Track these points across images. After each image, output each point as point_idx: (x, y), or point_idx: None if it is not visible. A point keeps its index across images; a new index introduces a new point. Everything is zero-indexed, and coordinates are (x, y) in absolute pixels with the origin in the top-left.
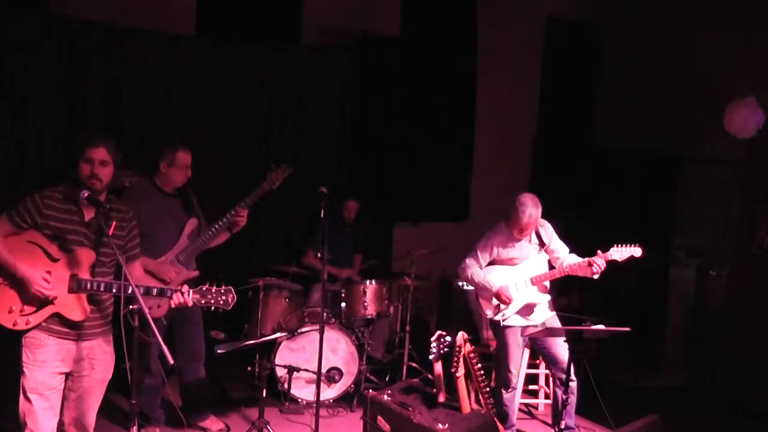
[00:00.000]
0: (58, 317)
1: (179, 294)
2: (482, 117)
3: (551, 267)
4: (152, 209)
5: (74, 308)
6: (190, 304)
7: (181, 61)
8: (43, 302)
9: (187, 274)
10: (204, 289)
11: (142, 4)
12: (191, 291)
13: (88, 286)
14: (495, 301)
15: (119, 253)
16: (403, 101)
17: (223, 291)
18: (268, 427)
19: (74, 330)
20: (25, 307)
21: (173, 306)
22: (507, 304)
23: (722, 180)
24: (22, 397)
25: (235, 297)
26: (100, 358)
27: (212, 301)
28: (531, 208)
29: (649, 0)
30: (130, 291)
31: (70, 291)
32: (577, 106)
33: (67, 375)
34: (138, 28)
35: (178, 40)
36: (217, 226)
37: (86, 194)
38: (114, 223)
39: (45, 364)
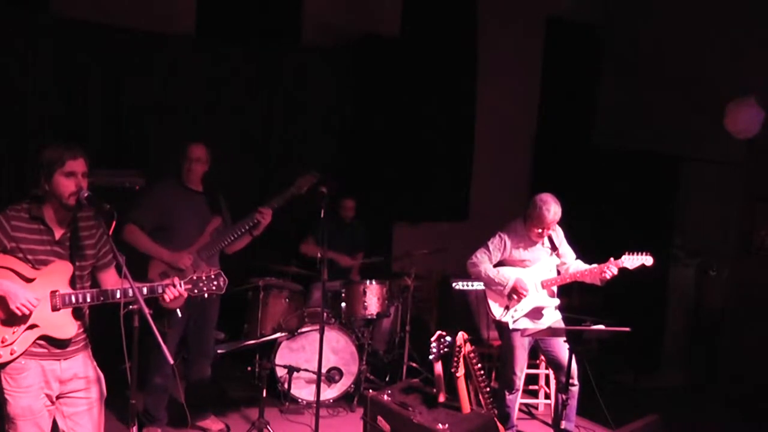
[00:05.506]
0: (45, 339)
1: (171, 288)
2: (482, 117)
3: (557, 272)
4: (174, 204)
5: (61, 325)
6: (185, 294)
7: (181, 61)
8: (25, 325)
9: (206, 269)
10: (194, 278)
11: (142, 4)
12: (182, 282)
13: (73, 299)
14: (506, 300)
15: (118, 254)
16: (402, 101)
17: (213, 276)
18: (268, 427)
19: (60, 348)
20: (6, 336)
21: (168, 301)
22: (522, 297)
23: (722, 180)
24: (7, 425)
25: (227, 280)
26: (89, 375)
27: (204, 289)
28: (555, 206)
29: (649, 0)
30: (118, 296)
31: (54, 309)
32: (577, 106)
33: (54, 400)
34: (138, 28)
35: (178, 40)
36: (240, 227)
37: (86, 194)
38: (114, 223)
39: (30, 389)
